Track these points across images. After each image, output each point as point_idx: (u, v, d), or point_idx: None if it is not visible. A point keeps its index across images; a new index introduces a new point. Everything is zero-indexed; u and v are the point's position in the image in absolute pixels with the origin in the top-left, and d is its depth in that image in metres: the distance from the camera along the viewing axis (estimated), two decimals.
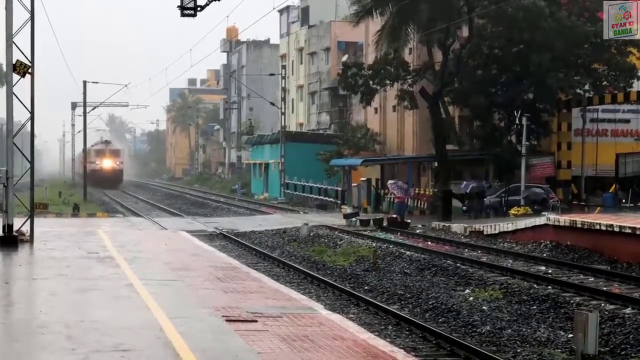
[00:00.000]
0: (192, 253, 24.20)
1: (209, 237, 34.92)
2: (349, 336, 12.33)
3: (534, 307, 20.28)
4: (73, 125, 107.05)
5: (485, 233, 35.03)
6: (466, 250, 30.95)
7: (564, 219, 31.17)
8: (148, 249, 24.46)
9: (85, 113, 75.21)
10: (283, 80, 76.43)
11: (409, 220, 40.24)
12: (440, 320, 18.40)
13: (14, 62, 23.55)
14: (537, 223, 32.69)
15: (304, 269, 25.78)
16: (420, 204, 49.21)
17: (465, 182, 43.63)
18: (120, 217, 46.54)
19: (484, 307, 19.35)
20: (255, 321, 12.97)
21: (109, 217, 45.78)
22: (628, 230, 26.77)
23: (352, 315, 17.79)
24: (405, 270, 25.55)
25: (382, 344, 12.01)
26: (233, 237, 35.70)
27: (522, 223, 33.92)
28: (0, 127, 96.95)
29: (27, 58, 23.85)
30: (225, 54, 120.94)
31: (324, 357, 10.97)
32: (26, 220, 25.06)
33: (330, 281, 23.36)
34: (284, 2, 62.04)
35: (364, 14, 45.72)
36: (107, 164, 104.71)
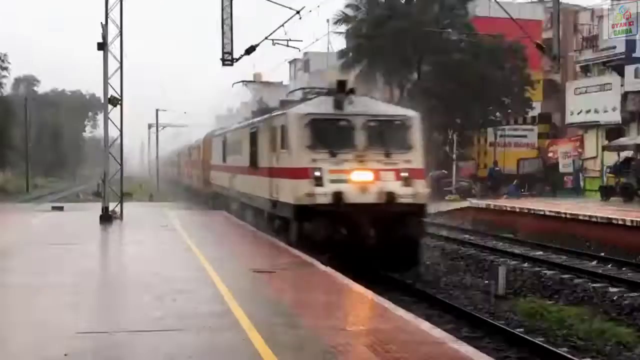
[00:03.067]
0: (231, 228, 24.07)
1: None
2: (334, 280, 12.20)
3: (461, 262, 20.28)
4: (149, 140, 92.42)
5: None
6: None
7: (482, 203, 31.24)
8: (201, 224, 24.36)
9: (157, 131, 74.84)
10: None
11: None
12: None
13: (109, 97, 23.56)
14: (464, 206, 32.78)
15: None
16: None
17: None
18: (182, 203, 46.12)
19: (427, 263, 19.29)
20: (274, 272, 12.91)
21: (174, 204, 45.30)
22: (525, 210, 26.84)
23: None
24: None
25: (356, 286, 11.90)
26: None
27: (454, 205, 33.99)
28: (100, 141, 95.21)
29: (117, 94, 23.80)
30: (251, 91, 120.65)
31: (315, 293, 10.86)
32: (117, 204, 25.02)
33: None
34: (292, 56, 61.77)
35: (348, 66, 45.65)
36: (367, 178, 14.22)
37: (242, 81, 39.19)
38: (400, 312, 9.50)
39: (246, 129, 21.19)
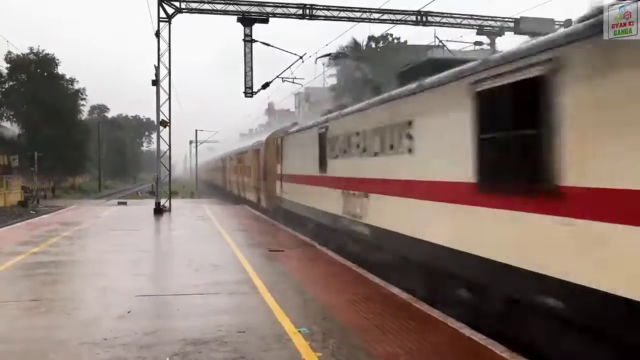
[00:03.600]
0: (252, 218, 23.91)
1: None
2: (330, 256, 12.15)
3: None
4: (190, 152, 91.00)
5: None
6: None
7: None
8: (228, 215, 24.26)
9: (197, 147, 74.47)
10: None
11: None
12: None
13: (160, 120, 23.53)
14: None
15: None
16: None
17: None
18: (215, 199, 45.89)
19: None
20: (283, 251, 12.88)
21: (209, 200, 45.09)
22: None
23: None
24: None
25: (349, 263, 11.85)
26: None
27: None
28: (153, 153, 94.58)
29: (166, 118, 23.76)
30: (267, 116, 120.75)
31: (319, 268, 10.86)
32: (167, 200, 24.95)
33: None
34: (297, 90, 61.74)
35: (337, 97, 45.40)
36: None
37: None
38: (377, 279, 9.47)
39: (457, 89, 7.17)
